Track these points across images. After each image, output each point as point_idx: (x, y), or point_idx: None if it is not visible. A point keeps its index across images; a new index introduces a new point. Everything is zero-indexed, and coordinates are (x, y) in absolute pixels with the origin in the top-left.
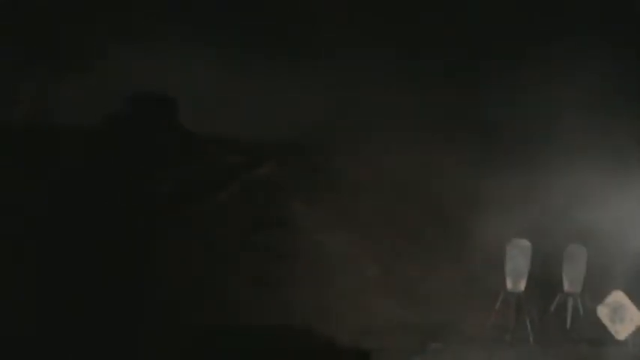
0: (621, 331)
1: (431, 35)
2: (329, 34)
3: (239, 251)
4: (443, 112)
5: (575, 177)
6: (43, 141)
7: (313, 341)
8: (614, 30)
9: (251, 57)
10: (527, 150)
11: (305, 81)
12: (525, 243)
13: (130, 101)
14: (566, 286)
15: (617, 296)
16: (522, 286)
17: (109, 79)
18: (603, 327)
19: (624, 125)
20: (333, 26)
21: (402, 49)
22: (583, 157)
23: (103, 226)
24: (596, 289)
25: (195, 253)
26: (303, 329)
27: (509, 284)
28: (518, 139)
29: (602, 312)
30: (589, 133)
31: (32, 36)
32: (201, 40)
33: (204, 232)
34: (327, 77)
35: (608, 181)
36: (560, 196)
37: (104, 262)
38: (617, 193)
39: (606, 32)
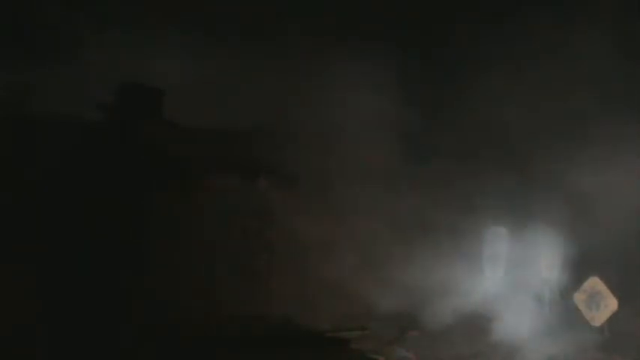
0: (597, 318)
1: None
2: (307, 30)
3: (219, 242)
4: (420, 102)
5: (554, 167)
6: (25, 131)
7: (294, 329)
8: None
9: (231, 48)
10: (505, 140)
11: (285, 75)
12: (502, 230)
13: (116, 92)
14: (543, 273)
15: (594, 282)
16: (500, 272)
17: (94, 69)
18: (579, 313)
19: (607, 115)
20: (312, 22)
21: (376, 41)
22: (562, 147)
23: (86, 217)
24: (572, 275)
25: (175, 244)
26: (284, 318)
27: (487, 271)
28: (494, 132)
29: (579, 298)
30: (568, 126)
31: (17, 25)
32: (184, 31)
33: (184, 224)
34: (306, 70)
35: (587, 173)
36: (538, 184)
37: (89, 252)
38: (597, 183)
39: None
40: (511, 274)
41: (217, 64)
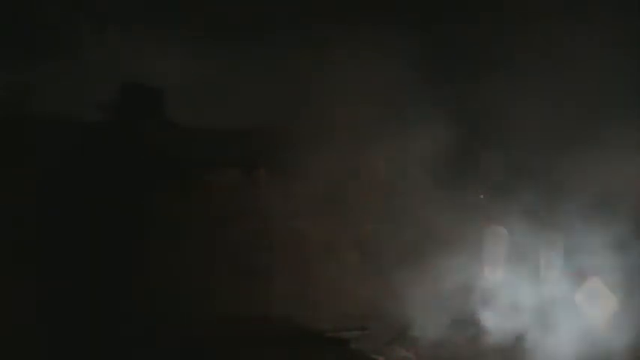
0: (597, 316)
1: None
2: (309, 28)
3: (219, 242)
4: (416, 97)
5: (555, 168)
6: (24, 132)
7: (293, 329)
8: None
9: (233, 48)
10: (503, 136)
11: (283, 72)
12: (501, 230)
13: (116, 91)
14: (542, 273)
15: (594, 282)
16: (499, 272)
17: (94, 69)
18: (580, 312)
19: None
20: (313, 20)
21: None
22: (563, 146)
23: (86, 217)
24: (571, 275)
25: (175, 244)
26: (283, 317)
27: (486, 271)
28: (494, 126)
29: (579, 297)
30: (571, 124)
31: (17, 25)
32: (184, 29)
33: (184, 224)
34: (306, 70)
35: (586, 171)
36: (537, 185)
37: (89, 252)
38: (594, 182)
39: None
40: (511, 274)
41: (217, 64)
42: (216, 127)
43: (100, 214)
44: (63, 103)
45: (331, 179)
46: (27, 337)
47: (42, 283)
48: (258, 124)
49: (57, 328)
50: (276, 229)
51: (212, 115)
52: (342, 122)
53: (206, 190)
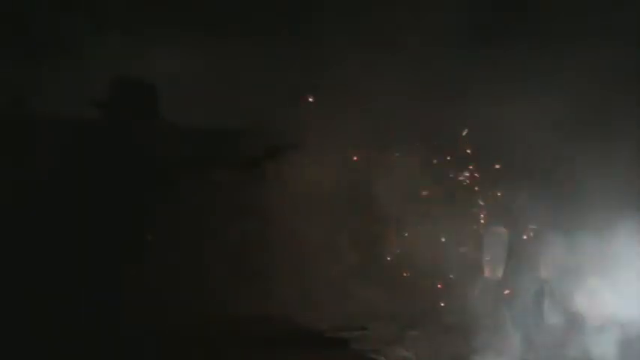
0: (596, 317)
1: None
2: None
3: (218, 242)
4: (416, 95)
5: (553, 164)
6: (21, 131)
7: (292, 330)
8: None
9: (229, 44)
10: (502, 133)
11: (281, 69)
12: (502, 230)
13: (111, 90)
14: (542, 273)
15: (593, 282)
16: (500, 273)
17: (89, 66)
18: (579, 313)
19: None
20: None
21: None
22: (565, 143)
23: (86, 217)
24: (572, 275)
25: (174, 244)
26: (281, 318)
27: (486, 271)
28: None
29: (578, 298)
30: (573, 123)
31: (8, 21)
32: (181, 27)
33: (183, 224)
34: (303, 65)
35: (587, 170)
36: (537, 182)
37: (88, 252)
38: (596, 181)
39: None
40: (511, 274)
41: (216, 63)
42: (216, 127)
43: (99, 214)
44: (63, 103)
45: (332, 178)
46: (26, 337)
47: (41, 283)
48: (258, 123)
49: (56, 327)
50: (276, 229)
51: (211, 114)
52: (335, 122)
53: (205, 189)
